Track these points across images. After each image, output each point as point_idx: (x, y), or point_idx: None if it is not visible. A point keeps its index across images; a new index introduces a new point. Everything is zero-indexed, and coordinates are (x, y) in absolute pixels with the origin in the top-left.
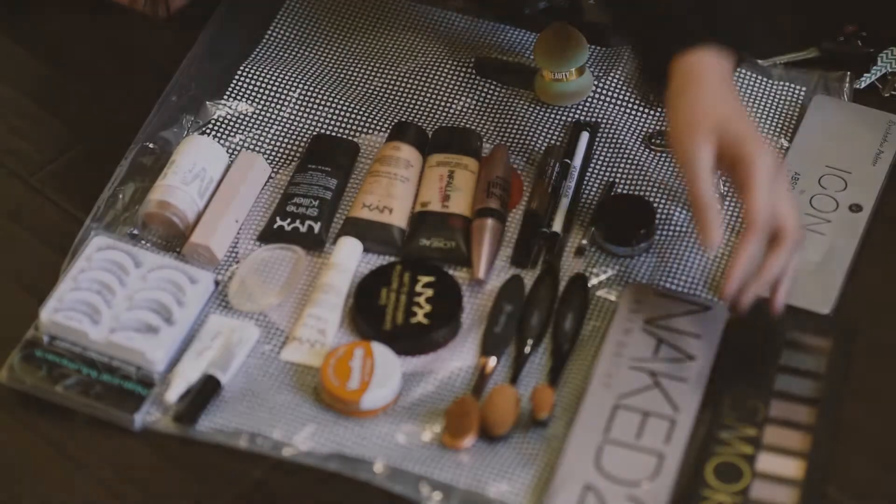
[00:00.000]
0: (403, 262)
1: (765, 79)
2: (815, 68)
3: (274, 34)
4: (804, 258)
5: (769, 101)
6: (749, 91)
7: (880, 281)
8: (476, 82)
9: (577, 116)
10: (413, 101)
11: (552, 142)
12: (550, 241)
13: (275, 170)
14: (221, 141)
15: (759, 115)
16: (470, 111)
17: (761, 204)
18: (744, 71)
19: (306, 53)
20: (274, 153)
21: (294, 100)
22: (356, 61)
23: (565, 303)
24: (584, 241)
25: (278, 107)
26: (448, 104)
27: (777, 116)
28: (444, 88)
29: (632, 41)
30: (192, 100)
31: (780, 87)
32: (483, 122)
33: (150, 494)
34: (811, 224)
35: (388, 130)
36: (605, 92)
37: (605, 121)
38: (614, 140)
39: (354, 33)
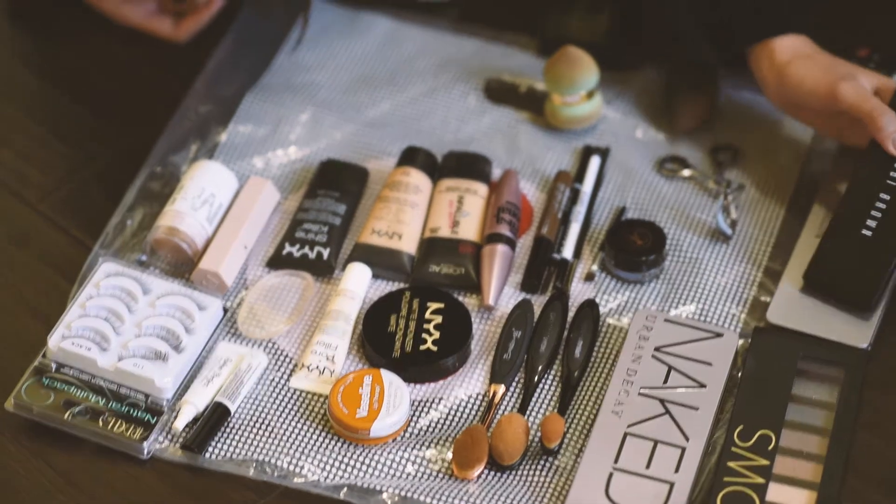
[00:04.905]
0: (413, 288)
1: None
2: None
3: (283, 59)
4: None
5: (781, 125)
6: (761, 115)
7: None
8: (486, 106)
9: (587, 141)
10: (422, 126)
11: (562, 166)
12: (560, 266)
13: (284, 195)
14: (230, 166)
15: (770, 138)
16: (479, 136)
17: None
18: (755, 98)
19: (315, 78)
20: (283, 178)
21: (303, 124)
22: (365, 86)
23: (575, 329)
24: (594, 267)
25: (287, 131)
26: (457, 129)
27: (789, 141)
28: (453, 113)
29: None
30: (201, 124)
31: None
32: (493, 146)
33: None
34: None
35: (398, 155)
36: (615, 116)
37: (615, 145)
38: (625, 165)
39: (363, 58)
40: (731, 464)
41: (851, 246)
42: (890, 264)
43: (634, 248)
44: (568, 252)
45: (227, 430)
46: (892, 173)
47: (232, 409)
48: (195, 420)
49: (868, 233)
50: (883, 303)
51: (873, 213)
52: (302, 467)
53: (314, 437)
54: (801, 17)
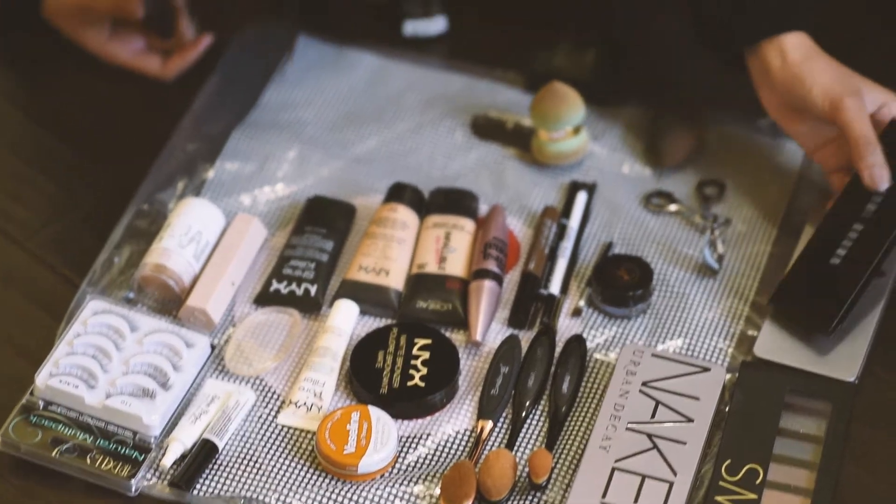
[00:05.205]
0: (400, 324)
1: (766, 138)
2: None
3: (270, 96)
4: None
5: (768, 160)
6: (748, 149)
7: None
8: (473, 143)
9: (574, 176)
10: (409, 162)
11: (549, 202)
12: (547, 302)
13: (271, 232)
14: (218, 203)
15: (757, 173)
16: (466, 172)
17: None
18: (742, 133)
19: (302, 115)
20: (270, 215)
21: (290, 161)
22: (352, 122)
23: (562, 364)
24: (582, 303)
25: (274, 168)
26: (444, 165)
27: (776, 176)
28: (440, 149)
29: (709, 25)
30: (188, 161)
31: (779, 143)
32: (480, 182)
33: None
34: None
35: (385, 192)
36: (602, 152)
37: (602, 181)
38: (611, 200)
39: (350, 94)
40: (719, 498)
41: (819, 273)
42: (852, 293)
43: (621, 283)
44: (555, 287)
45: (215, 466)
46: (868, 205)
47: (220, 445)
48: (183, 457)
49: (836, 261)
50: (871, 337)
51: (844, 242)
52: None
53: (302, 473)
54: (808, 15)
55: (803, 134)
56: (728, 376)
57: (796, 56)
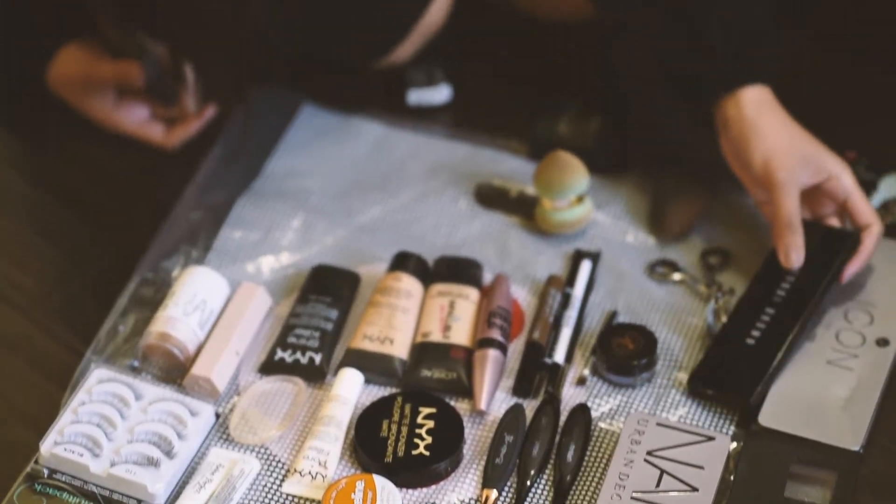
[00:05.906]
0: (404, 393)
1: None
2: None
3: (274, 164)
4: (832, 394)
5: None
6: (751, 218)
7: None
8: (477, 211)
9: (578, 245)
10: (413, 231)
11: (553, 271)
12: (552, 371)
13: (276, 301)
14: (222, 271)
15: (760, 242)
16: (471, 240)
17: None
18: (745, 201)
19: (306, 183)
20: (275, 284)
21: (294, 230)
22: (356, 191)
23: (567, 433)
24: (586, 372)
25: (279, 237)
26: (449, 233)
27: None
28: (444, 218)
29: (673, 82)
30: (192, 230)
31: None
32: (484, 251)
33: None
34: (838, 360)
35: (389, 261)
36: (605, 220)
37: (606, 249)
38: (616, 269)
39: (355, 163)
40: None
41: (735, 353)
42: (766, 372)
43: (626, 352)
44: (559, 356)
45: None
46: (777, 290)
47: None
48: None
49: (752, 342)
50: (875, 406)
51: (758, 324)
52: None
53: None
54: (769, 68)
55: (752, 185)
56: (733, 445)
57: (750, 112)
